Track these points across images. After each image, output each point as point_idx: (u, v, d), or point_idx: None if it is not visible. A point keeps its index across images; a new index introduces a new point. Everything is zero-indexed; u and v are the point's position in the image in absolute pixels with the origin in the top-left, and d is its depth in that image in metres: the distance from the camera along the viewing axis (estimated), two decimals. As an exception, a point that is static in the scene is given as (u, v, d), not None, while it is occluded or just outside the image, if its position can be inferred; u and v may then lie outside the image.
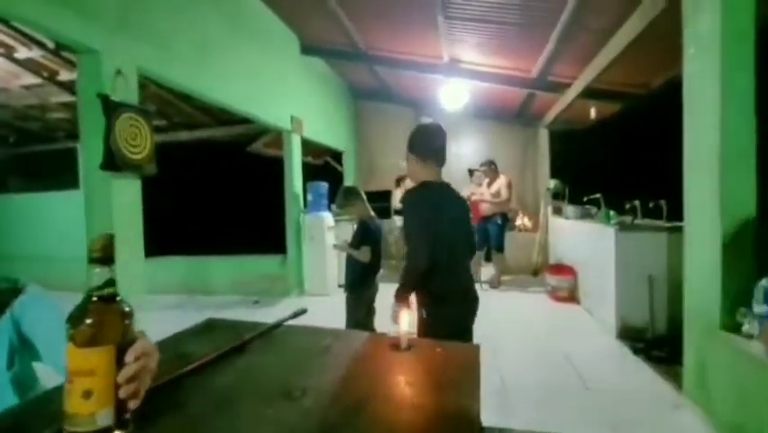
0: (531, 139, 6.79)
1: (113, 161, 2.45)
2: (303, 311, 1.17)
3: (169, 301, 4.88)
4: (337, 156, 7.51)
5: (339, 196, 2.48)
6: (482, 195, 5.00)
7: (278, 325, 1.10)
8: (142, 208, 2.71)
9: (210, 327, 1.15)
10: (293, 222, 5.02)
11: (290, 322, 1.12)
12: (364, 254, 2.40)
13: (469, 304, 1.62)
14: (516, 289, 4.87)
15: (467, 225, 1.68)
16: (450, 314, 1.54)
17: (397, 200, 5.92)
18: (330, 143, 6.39)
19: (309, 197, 5.07)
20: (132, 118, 2.59)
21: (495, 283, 4.91)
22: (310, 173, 5.59)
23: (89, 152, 2.44)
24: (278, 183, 5.15)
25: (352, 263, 2.47)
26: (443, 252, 1.54)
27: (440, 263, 1.53)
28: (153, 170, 2.75)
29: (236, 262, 5.38)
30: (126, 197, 2.59)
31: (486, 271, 5.52)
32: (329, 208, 5.38)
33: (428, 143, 1.71)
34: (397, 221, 5.83)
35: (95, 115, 2.40)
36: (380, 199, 7.13)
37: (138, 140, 2.64)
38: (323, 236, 4.88)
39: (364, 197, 2.53)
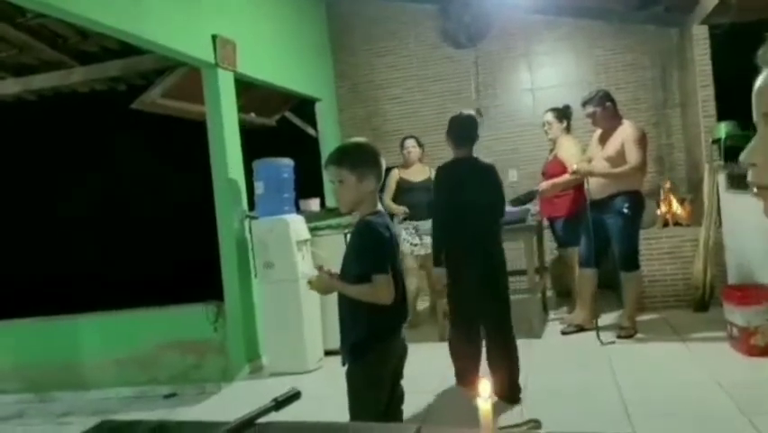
0: (672, 48, 6.82)
1: None
2: (294, 396, 1.22)
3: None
4: (304, 109, 7.55)
5: (335, 158, 2.44)
6: (589, 159, 5.00)
7: (248, 422, 1.14)
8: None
9: None
10: (231, 237, 5.05)
11: (268, 417, 1.15)
12: (379, 290, 2.36)
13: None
14: (665, 336, 4.83)
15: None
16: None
17: None
18: (290, 85, 6.42)
19: (259, 186, 5.09)
20: None
21: (627, 327, 4.89)
22: (257, 143, 5.62)
23: None
24: (195, 164, 5.16)
25: (352, 309, 2.43)
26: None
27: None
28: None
29: (125, 322, 5.39)
30: None
31: (606, 303, 5.47)
32: (298, 206, 5.38)
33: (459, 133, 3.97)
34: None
35: None
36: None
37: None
38: (290, 260, 4.88)
39: (383, 166, 2.52)
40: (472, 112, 4.18)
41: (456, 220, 3.80)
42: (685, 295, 5.59)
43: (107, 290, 5.96)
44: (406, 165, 6.02)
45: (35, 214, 6.63)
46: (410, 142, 6.06)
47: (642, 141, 4.85)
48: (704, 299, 5.44)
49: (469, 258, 3.76)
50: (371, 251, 2.37)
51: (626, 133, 4.84)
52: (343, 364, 2.46)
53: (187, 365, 5.13)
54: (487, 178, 3.84)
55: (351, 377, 2.44)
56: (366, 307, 2.38)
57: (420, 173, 5.92)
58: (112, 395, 5.03)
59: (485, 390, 1.11)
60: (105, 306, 5.43)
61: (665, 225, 5.95)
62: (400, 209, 5.73)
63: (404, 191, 5.86)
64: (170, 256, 6.42)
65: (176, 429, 1.23)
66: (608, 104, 4.94)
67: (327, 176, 2.50)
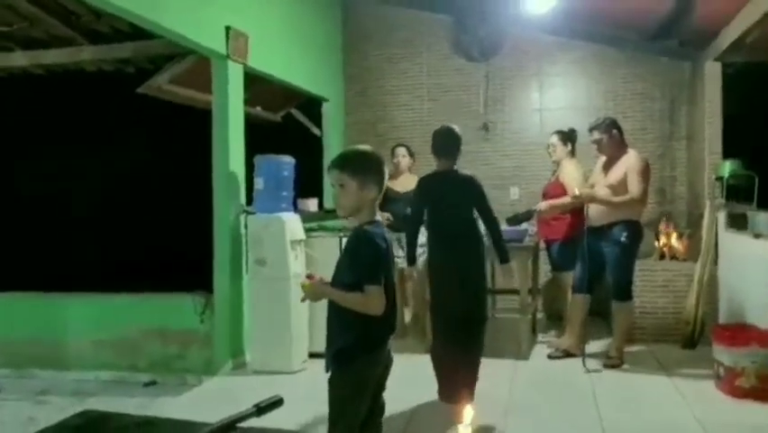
0: (683, 82, 6.83)
1: None
2: (277, 402, 1.23)
3: None
4: (311, 108, 7.55)
5: (339, 162, 2.44)
6: (592, 185, 5.02)
7: (229, 425, 1.14)
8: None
9: (89, 427, 1.18)
10: (226, 230, 5.03)
11: (248, 422, 1.16)
12: (371, 300, 2.35)
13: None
14: (651, 370, 4.82)
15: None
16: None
17: None
18: (299, 82, 6.42)
19: (259, 182, 5.07)
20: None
21: (613, 358, 4.86)
22: (260, 138, 5.60)
23: None
24: (197, 154, 5.14)
25: (341, 316, 2.42)
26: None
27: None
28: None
29: (110, 305, 5.38)
30: None
31: (595, 331, 5.44)
32: (295, 205, 5.36)
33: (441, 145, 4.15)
34: None
35: None
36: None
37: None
38: (283, 259, 4.87)
39: (386, 176, 2.51)
40: (455, 127, 4.22)
41: (435, 232, 4.04)
42: (675, 330, 5.56)
43: (100, 271, 5.94)
44: (394, 174, 5.84)
45: (33, 188, 6.62)
46: (401, 151, 5.97)
47: (645, 172, 4.84)
48: (693, 336, 5.42)
49: (447, 269, 3.94)
50: (366, 261, 2.36)
51: (629, 162, 4.83)
52: (327, 371, 2.44)
53: (170, 355, 5.11)
54: (465, 190, 4.03)
55: (333, 384, 2.43)
56: (355, 315, 2.37)
57: (407, 184, 5.61)
58: (91, 378, 5.01)
59: (467, 416, 1.10)
60: (97, 287, 5.42)
61: (662, 257, 5.93)
62: (384, 215, 5.65)
63: (388, 201, 5.51)
64: (164, 243, 6.40)
65: (159, 426, 1.22)
66: (615, 132, 4.93)
67: (329, 179, 2.46)
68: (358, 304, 2.34)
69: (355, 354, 2.40)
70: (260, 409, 1.20)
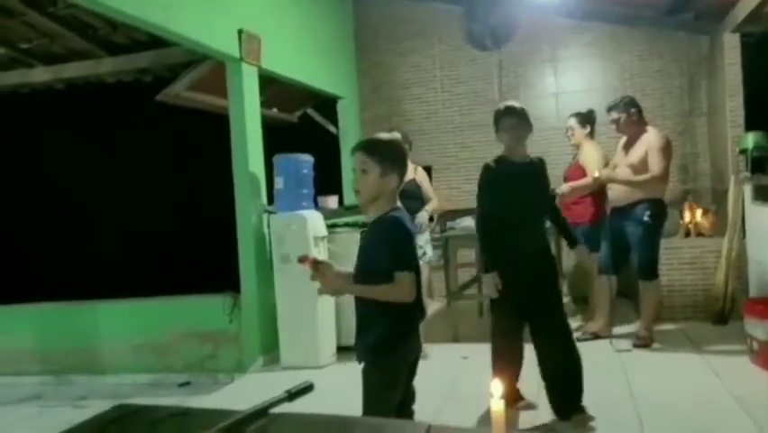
0: (701, 56, 6.74)
1: None
2: (307, 388, 1.24)
3: (17, 389, 5.02)
4: (326, 106, 7.57)
5: (365, 146, 2.40)
6: (614, 166, 4.97)
7: (260, 412, 1.15)
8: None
9: (124, 419, 1.22)
10: (249, 230, 5.07)
11: (280, 408, 1.16)
12: (402, 288, 2.34)
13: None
14: (682, 347, 4.76)
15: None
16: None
17: None
18: (313, 82, 6.45)
19: (279, 181, 5.10)
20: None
21: (643, 337, 4.82)
22: (279, 138, 5.64)
23: None
24: (217, 158, 5.19)
25: (372, 308, 2.38)
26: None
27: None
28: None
29: (143, 309, 5.48)
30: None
31: (623, 312, 5.38)
32: (316, 203, 5.39)
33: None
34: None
35: None
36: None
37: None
38: (307, 256, 4.88)
39: (406, 170, 2.51)
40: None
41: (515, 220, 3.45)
42: (705, 307, 5.50)
43: (128, 277, 6.04)
44: None
45: (60, 199, 6.74)
46: (395, 135, 5.59)
47: (665, 149, 4.78)
48: (724, 312, 5.35)
49: (536, 259, 3.48)
50: (399, 247, 2.32)
51: (649, 140, 4.78)
52: (360, 362, 2.42)
53: (203, 355, 5.18)
54: (543, 175, 3.63)
55: (368, 376, 2.39)
56: (387, 305, 2.34)
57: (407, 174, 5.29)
58: (128, 381, 5.10)
59: (497, 390, 1.10)
60: (126, 293, 5.52)
61: (687, 234, 5.85)
62: None
63: None
64: (194, 249, 6.47)
65: (191, 416, 1.24)
66: (633, 110, 4.87)
67: (353, 162, 2.37)
68: (389, 294, 2.30)
69: (391, 344, 2.37)
70: (292, 395, 1.21)
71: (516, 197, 3.38)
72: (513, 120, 3.41)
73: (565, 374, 3.42)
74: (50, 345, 5.47)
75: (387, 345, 2.38)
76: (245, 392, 4.42)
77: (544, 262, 3.51)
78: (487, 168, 3.46)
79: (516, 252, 3.38)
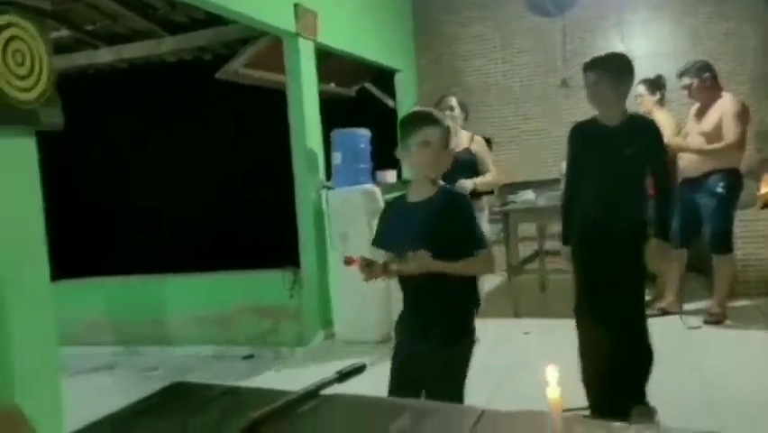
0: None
1: (-16, 104, 2.56)
2: (359, 368, 1.24)
3: (92, 359, 5.21)
4: (384, 80, 7.51)
5: (431, 119, 2.26)
6: (685, 135, 4.77)
7: (311, 393, 1.16)
8: (42, 190, 2.83)
9: (180, 396, 1.24)
10: (309, 206, 5.11)
11: (331, 389, 1.19)
12: (487, 260, 2.31)
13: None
14: (756, 325, 4.55)
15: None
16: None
17: None
18: (371, 56, 6.38)
19: (337, 157, 5.10)
20: (15, 25, 2.69)
21: (716, 314, 4.62)
22: (336, 113, 5.62)
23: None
24: (276, 133, 5.23)
25: (448, 288, 2.26)
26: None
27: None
28: (56, 119, 2.84)
29: (208, 284, 5.62)
30: (14, 168, 2.68)
31: (694, 287, 5.17)
32: (374, 178, 5.36)
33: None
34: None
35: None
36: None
37: (26, 65, 2.73)
38: (363, 231, 4.87)
39: None
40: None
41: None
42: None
43: (193, 253, 6.20)
44: None
45: (125, 177, 6.98)
46: (451, 101, 4.61)
47: (741, 115, 4.53)
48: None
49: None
50: (475, 223, 2.29)
51: (724, 106, 4.54)
52: (444, 345, 2.29)
53: (264, 329, 5.28)
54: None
55: (453, 358, 2.31)
56: (466, 283, 2.32)
57: (459, 143, 4.38)
58: (194, 353, 5.25)
59: (552, 376, 1.09)
60: (191, 267, 5.68)
61: (765, 206, 5.55)
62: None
63: None
64: (255, 224, 6.59)
65: (243, 395, 1.26)
66: (706, 75, 4.63)
67: (413, 138, 2.23)
68: (475, 268, 2.31)
69: (471, 321, 2.38)
70: (342, 376, 1.22)
71: (596, 163, 3.02)
72: (590, 76, 2.97)
73: (616, 373, 2.96)
74: (122, 318, 5.69)
75: (469, 323, 2.37)
76: (305, 366, 4.48)
77: (625, 243, 2.98)
78: (571, 130, 3.17)
79: (592, 225, 3.05)
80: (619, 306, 2.99)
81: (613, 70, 2.93)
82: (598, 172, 3.02)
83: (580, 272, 3.17)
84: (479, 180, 4.45)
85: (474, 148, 4.56)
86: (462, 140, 4.50)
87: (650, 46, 6.67)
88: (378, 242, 2.42)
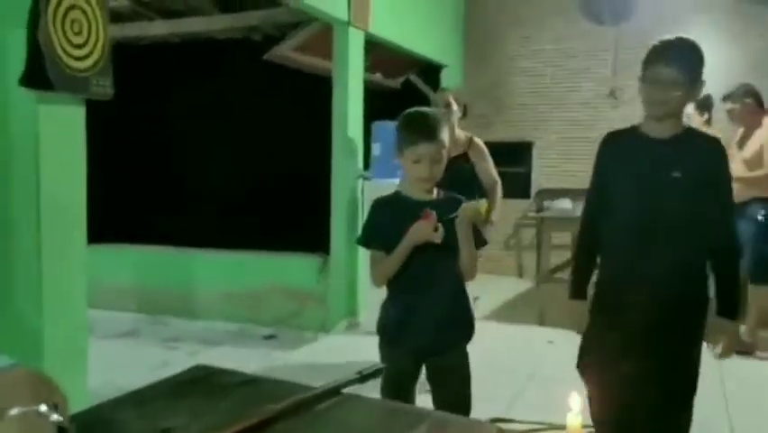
0: None
1: (42, 72, 2.59)
2: (379, 370, 1.23)
3: (116, 324, 5.28)
4: (429, 73, 7.46)
5: (439, 131, 2.14)
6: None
7: (330, 391, 1.14)
8: (86, 156, 2.88)
9: (200, 381, 1.22)
10: (345, 195, 5.12)
11: (352, 388, 1.16)
12: (476, 262, 2.27)
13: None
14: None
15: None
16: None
17: None
18: (419, 49, 6.35)
19: (377, 148, 5.09)
20: (76, -6, 2.73)
21: (747, 344, 4.51)
22: (379, 104, 5.61)
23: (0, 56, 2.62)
24: (318, 119, 5.24)
25: (460, 285, 2.29)
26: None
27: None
28: (107, 88, 2.89)
29: (237, 262, 5.67)
30: (62, 134, 2.74)
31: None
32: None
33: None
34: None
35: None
36: (518, 158, 6.90)
37: (83, 33, 2.78)
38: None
39: None
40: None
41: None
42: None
43: (226, 230, 6.26)
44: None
45: (168, 152, 7.06)
46: (448, 98, 3.99)
47: None
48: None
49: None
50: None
51: (764, 133, 4.43)
52: (463, 343, 2.30)
53: (289, 311, 5.31)
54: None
55: (466, 359, 2.31)
56: (461, 280, 2.29)
57: (454, 147, 3.61)
58: (217, 327, 5.31)
59: (575, 404, 1.08)
60: (223, 244, 5.74)
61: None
62: None
63: None
64: (289, 208, 6.62)
65: (263, 385, 1.27)
66: (749, 100, 4.52)
67: (426, 150, 2.09)
68: (476, 264, 2.23)
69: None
70: (364, 377, 1.21)
71: (636, 193, 2.08)
72: (653, 70, 2.08)
73: None
74: (150, 287, 5.77)
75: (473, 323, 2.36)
76: (327, 353, 4.51)
77: (676, 312, 2.05)
78: (603, 142, 2.24)
79: (625, 281, 2.10)
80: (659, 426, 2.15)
81: (696, 64, 2.14)
82: (634, 205, 2.08)
83: (597, 369, 2.16)
84: (495, 215, 3.75)
85: (472, 155, 3.92)
86: (459, 143, 3.85)
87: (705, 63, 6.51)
88: (373, 241, 2.23)
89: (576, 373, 2.25)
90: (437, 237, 2.04)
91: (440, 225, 2.05)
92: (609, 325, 2.11)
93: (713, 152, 2.08)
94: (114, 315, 5.47)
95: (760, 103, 4.57)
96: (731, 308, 2.07)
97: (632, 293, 2.06)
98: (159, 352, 4.58)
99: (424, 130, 2.12)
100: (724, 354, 2.19)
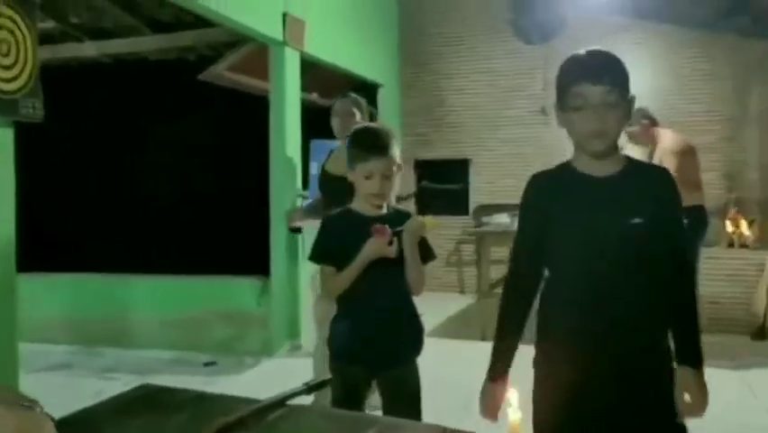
0: (755, 61, 6.55)
1: (-37, 92, 2.53)
2: (326, 381, 1.30)
3: (48, 357, 5.07)
4: (367, 93, 7.54)
5: (392, 146, 2.15)
6: None
7: (278, 402, 1.16)
8: (15, 182, 2.80)
9: (147, 399, 1.23)
10: (282, 215, 5.07)
11: (297, 399, 1.18)
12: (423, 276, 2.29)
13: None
14: (717, 363, 4.58)
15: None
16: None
17: None
18: (356, 69, 6.43)
19: (314, 167, 5.07)
20: (2, 15, 2.66)
21: (677, 349, 4.68)
22: (317, 124, 5.61)
23: None
24: (255, 139, 5.21)
25: (409, 296, 2.31)
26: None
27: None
28: (37, 111, 2.82)
29: (174, 286, 5.55)
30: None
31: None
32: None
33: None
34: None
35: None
36: (456, 175, 6.94)
37: (11, 55, 2.71)
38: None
39: None
40: None
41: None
42: (743, 321, 5.36)
43: (161, 255, 6.12)
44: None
45: (102, 173, 6.89)
46: (349, 108, 3.87)
47: (679, 152, 4.70)
48: (764, 328, 5.20)
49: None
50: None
51: (662, 145, 4.73)
52: (414, 356, 2.31)
53: (230, 336, 5.22)
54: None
55: (416, 372, 2.31)
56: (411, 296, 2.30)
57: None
58: (155, 356, 5.16)
59: (513, 399, 1.10)
60: (158, 270, 5.60)
61: (730, 245, 5.70)
62: None
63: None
64: (227, 230, 6.55)
65: (211, 401, 1.26)
66: (645, 121, 4.80)
67: (378, 166, 2.09)
68: (423, 278, 2.22)
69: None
70: (310, 388, 1.24)
71: (585, 246, 1.66)
72: (577, 91, 1.65)
73: None
74: (83, 316, 5.56)
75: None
76: (270, 376, 4.44)
77: (641, 386, 1.71)
78: (530, 184, 1.77)
79: (571, 348, 1.69)
80: None
81: (626, 76, 1.75)
82: (584, 265, 1.66)
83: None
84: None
85: None
86: None
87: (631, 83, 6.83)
88: (325, 258, 2.19)
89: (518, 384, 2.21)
90: (392, 252, 2.07)
91: (395, 239, 2.06)
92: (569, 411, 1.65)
93: (667, 188, 1.68)
94: (47, 347, 5.24)
95: (654, 121, 4.87)
96: (693, 355, 1.75)
97: (589, 348, 1.67)
98: (94, 382, 4.40)
99: (375, 145, 2.14)
100: (694, 413, 1.75)
